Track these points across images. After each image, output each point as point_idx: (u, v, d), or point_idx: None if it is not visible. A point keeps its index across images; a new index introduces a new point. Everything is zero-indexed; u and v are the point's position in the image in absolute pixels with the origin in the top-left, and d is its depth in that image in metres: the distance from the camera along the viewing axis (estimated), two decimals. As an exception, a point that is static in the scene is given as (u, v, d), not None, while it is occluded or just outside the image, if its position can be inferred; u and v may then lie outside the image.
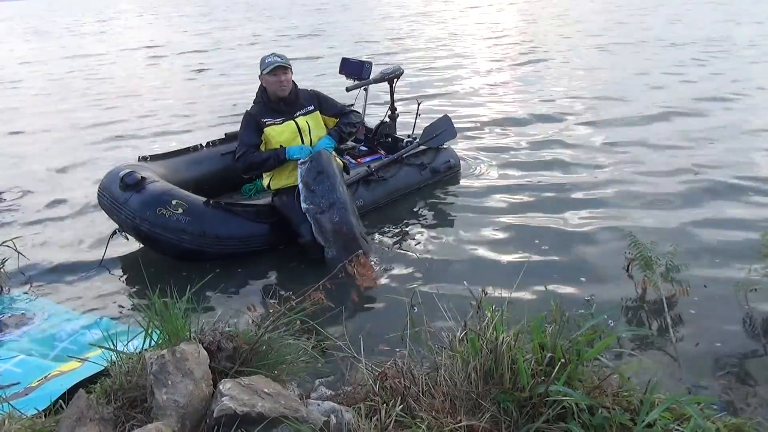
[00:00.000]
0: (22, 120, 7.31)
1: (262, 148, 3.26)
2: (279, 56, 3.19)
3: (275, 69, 3.15)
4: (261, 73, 3.22)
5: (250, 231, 3.17)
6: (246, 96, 5.46)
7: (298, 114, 3.30)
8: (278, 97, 3.23)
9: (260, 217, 3.21)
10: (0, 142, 6.23)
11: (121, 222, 3.17)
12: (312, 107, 3.36)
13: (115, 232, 3.29)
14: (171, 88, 8.94)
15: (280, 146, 3.20)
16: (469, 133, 5.43)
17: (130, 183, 3.07)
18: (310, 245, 3.08)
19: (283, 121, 3.25)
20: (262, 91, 3.30)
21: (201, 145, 3.92)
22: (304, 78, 4.77)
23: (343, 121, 3.42)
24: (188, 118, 6.82)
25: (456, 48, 11.22)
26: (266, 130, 3.22)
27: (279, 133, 3.23)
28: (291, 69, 3.24)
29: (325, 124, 3.42)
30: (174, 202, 3.03)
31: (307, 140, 3.29)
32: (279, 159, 3.18)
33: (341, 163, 3.46)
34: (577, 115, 5.96)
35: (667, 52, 9.18)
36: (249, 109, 3.32)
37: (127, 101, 8.06)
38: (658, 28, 11.81)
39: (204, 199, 3.13)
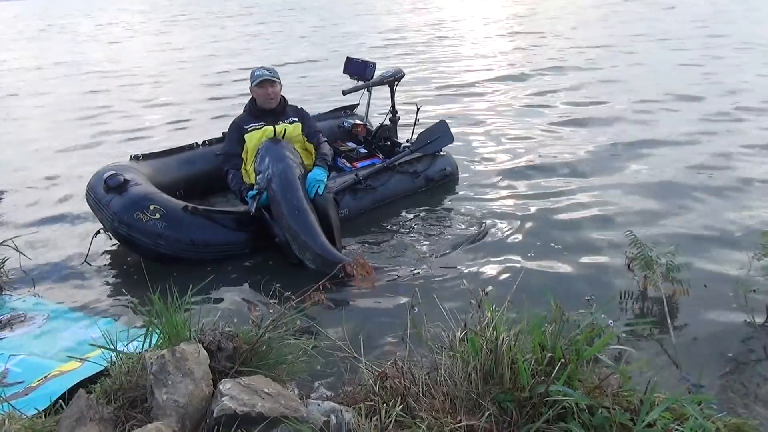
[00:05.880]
0: (22, 118, 7.31)
1: (243, 155, 3.44)
2: (267, 70, 3.42)
3: (262, 82, 3.38)
4: (251, 84, 3.46)
5: (227, 238, 3.15)
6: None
7: (280, 122, 3.47)
8: (265, 109, 3.45)
9: (238, 225, 3.18)
10: (0, 142, 6.23)
11: (103, 222, 3.22)
12: (296, 119, 3.55)
13: (98, 232, 3.31)
14: (175, 86, 8.93)
15: (250, 185, 3.29)
16: (467, 137, 5.40)
17: (113, 185, 3.10)
18: (286, 245, 3.05)
19: (263, 126, 3.43)
20: (252, 101, 3.53)
21: (197, 143, 3.91)
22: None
23: (320, 152, 3.54)
24: (192, 119, 6.82)
25: (458, 49, 11.22)
26: (246, 135, 3.40)
27: (257, 139, 3.36)
28: (280, 83, 3.47)
29: (304, 142, 3.56)
30: (152, 207, 3.03)
31: None
32: (242, 195, 3.30)
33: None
34: (579, 115, 5.96)
35: (675, 51, 9.18)
36: (236, 117, 3.54)
37: (131, 99, 8.06)
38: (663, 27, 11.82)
39: (183, 204, 3.12)
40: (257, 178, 3.20)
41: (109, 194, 3.11)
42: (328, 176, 3.41)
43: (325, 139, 3.71)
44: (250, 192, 3.17)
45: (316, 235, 2.98)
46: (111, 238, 3.31)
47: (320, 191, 3.22)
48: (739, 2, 15.21)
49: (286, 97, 3.59)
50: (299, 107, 3.69)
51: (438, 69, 9.05)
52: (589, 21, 14.02)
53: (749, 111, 5.73)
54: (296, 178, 3.15)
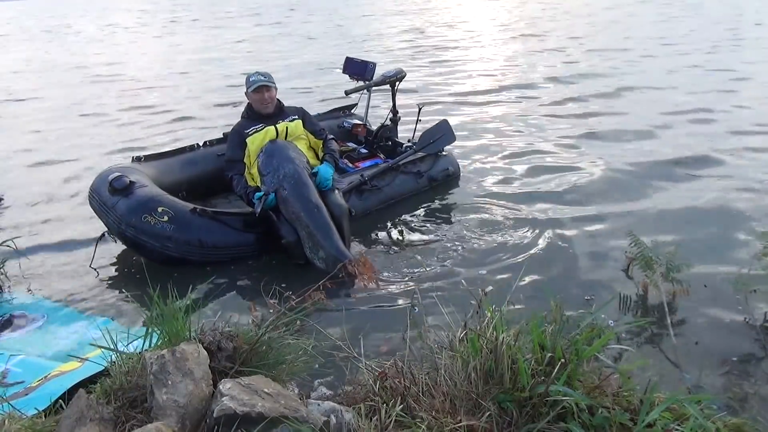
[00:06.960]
0: (23, 119, 7.31)
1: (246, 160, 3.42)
2: (263, 75, 3.41)
3: (258, 88, 3.35)
4: (246, 90, 3.42)
5: (236, 240, 3.13)
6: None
7: (280, 122, 3.45)
8: (263, 114, 3.44)
9: (247, 226, 3.17)
10: (0, 140, 6.23)
11: (108, 225, 3.17)
12: (296, 117, 3.54)
13: (103, 235, 3.29)
14: (177, 88, 8.93)
15: (256, 187, 3.29)
16: (470, 138, 5.40)
17: (118, 187, 3.06)
18: (293, 246, 3.04)
19: (264, 127, 3.40)
20: (249, 106, 3.50)
21: (198, 144, 3.89)
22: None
23: (329, 147, 3.56)
24: (194, 118, 6.82)
25: (462, 50, 11.22)
26: (248, 139, 3.37)
27: (260, 141, 3.34)
28: (275, 87, 3.45)
29: (309, 141, 3.56)
30: (160, 209, 3.00)
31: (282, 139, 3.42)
32: (248, 198, 3.27)
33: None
34: (582, 117, 5.97)
35: (681, 58, 9.18)
36: (235, 124, 3.50)
37: (133, 100, 8.06)
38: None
39: (192, 206, 3.10)
40: (264, 179, 3.18)
41: (114, 196, 3.07)
42: (333, 171, 3.40)
43: (332, 136, 3.72)
44: (257, 194, 3.16)
45: (332, 233, 2.98)
46: (115, 241, 3.30)
47: (328, 186, 3.24)
48: None
49: (281, 101, 3.56)
50: (299, 107, 3.68)
51: (441, 70, 9.05)
52: (604, 25, 14.01)
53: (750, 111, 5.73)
54: (308, 177, 3.15)
